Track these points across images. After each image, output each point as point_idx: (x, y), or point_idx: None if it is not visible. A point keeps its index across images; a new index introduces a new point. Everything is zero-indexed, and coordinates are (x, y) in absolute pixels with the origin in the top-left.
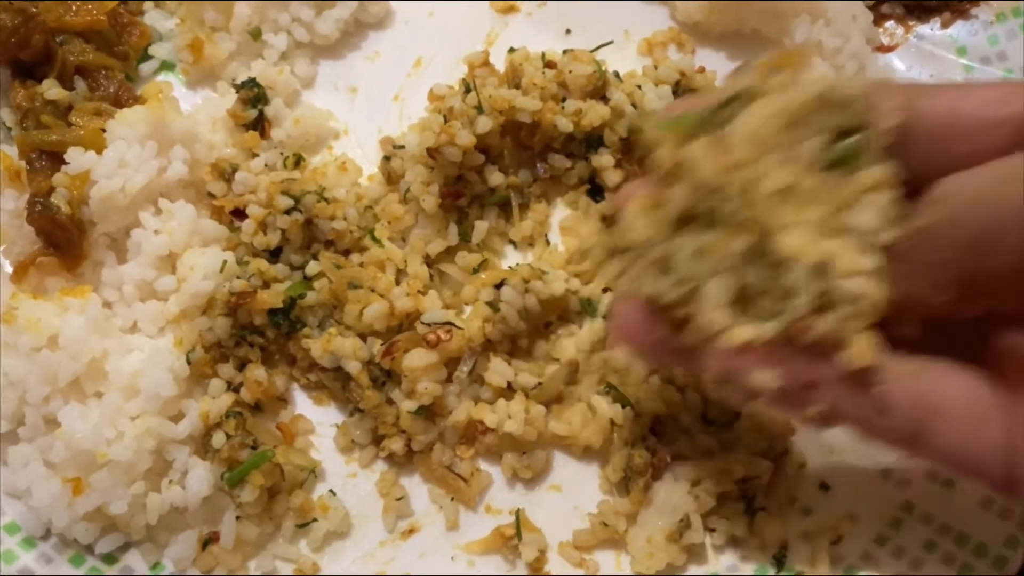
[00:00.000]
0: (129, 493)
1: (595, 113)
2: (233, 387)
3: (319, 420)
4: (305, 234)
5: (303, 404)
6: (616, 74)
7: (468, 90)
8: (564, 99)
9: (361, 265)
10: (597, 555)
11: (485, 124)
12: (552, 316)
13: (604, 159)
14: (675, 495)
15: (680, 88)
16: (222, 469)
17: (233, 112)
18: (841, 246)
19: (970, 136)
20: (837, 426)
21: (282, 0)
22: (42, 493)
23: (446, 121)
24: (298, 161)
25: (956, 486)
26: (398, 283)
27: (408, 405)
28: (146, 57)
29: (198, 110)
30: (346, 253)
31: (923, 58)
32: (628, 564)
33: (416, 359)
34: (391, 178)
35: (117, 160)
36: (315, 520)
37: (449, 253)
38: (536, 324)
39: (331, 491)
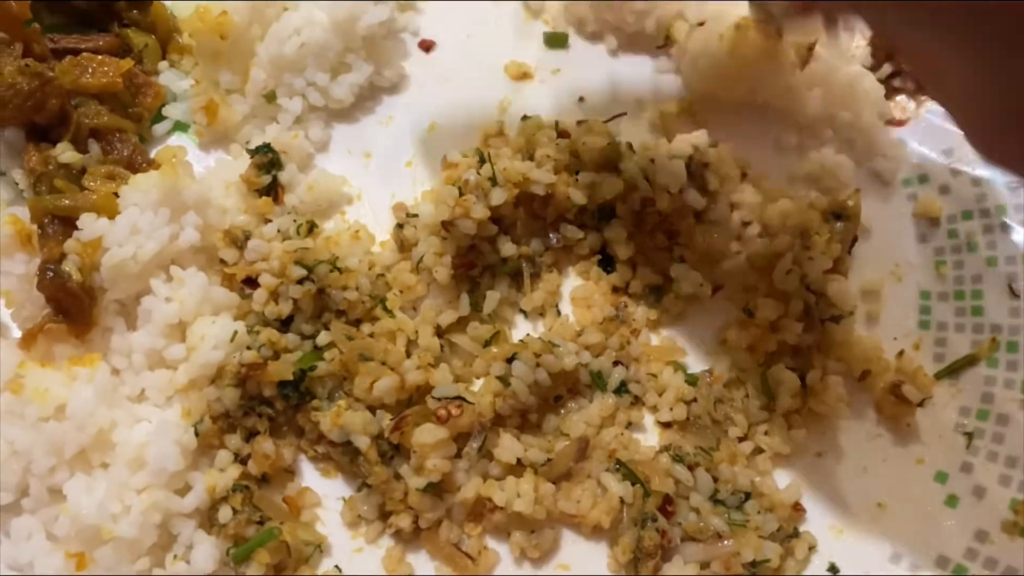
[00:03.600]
0: (134, 569)
1: (608, 186)
2: (240, 459)
3: (326, 492)
4: (317, 303)
5: (310, 476)
6: (629, 145)
7: (482, 161)
8: (577, 172)
9: (372, 335)
10: None
11: (499, 196)
12: (562, 389)
13: (616, 231)
14: None
15: (693, 162)
16: (228, 544)
17: (247, 178)
18: None
19: None
20: None
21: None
22: (45, 567)
23: (461, 194)
24: (311, 228)
25: (967, 574)
26: (409, 355)
27: (417, 482)
28: (160, 117)
29: (211, 174)
30: (357, 322)
31: (934, 133)
32: None
33: (426, 434)
34: (403, 246)
35: (129, 227)
36: None
37: (460, 323)
38: (546, 397)
39: (336, 567)
